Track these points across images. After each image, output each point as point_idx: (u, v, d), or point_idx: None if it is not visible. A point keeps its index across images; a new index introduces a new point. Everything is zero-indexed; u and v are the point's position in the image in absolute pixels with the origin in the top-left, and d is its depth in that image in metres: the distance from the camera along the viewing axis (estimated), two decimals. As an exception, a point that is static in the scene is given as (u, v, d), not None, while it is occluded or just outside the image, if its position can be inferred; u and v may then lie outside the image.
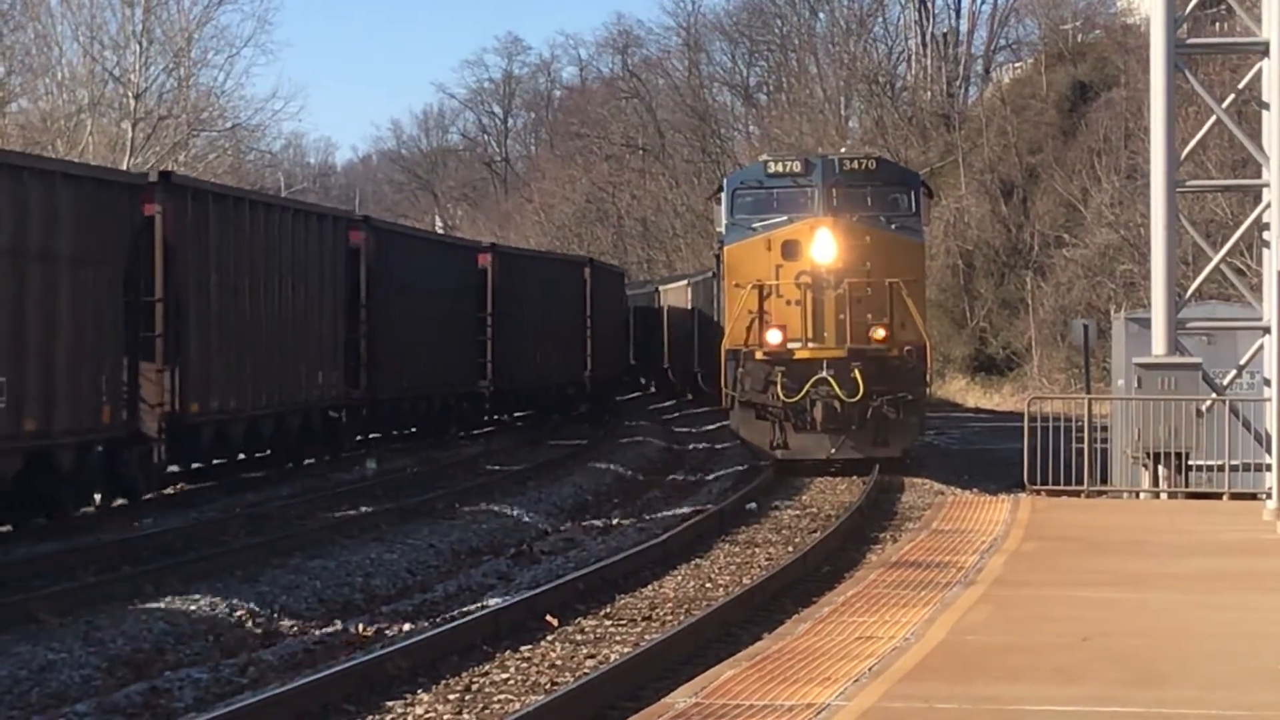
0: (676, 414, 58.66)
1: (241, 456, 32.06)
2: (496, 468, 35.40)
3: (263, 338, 30.58)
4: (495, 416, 47.40)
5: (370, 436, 38.51)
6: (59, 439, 23.38)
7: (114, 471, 25.51)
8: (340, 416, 35.27)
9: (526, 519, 27.18)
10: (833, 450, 31.97)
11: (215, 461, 31.35)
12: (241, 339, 29.62)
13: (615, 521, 27.25)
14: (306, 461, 33.78)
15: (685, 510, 27.77)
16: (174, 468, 29.10)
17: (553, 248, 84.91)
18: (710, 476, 34.69)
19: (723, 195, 33.84)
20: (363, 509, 26.90)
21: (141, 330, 26.10)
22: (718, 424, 44.18)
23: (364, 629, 17.36)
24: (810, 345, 31.80)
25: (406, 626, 17.46)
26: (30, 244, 22.65)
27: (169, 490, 28.79)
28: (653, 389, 72.13)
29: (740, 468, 34.22)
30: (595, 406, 55.20)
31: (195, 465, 30.32)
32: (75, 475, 24.14)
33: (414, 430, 42.11)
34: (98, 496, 25.54)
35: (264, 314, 30.74)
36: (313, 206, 38.55)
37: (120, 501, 26.27)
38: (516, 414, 49.03)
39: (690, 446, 44.07)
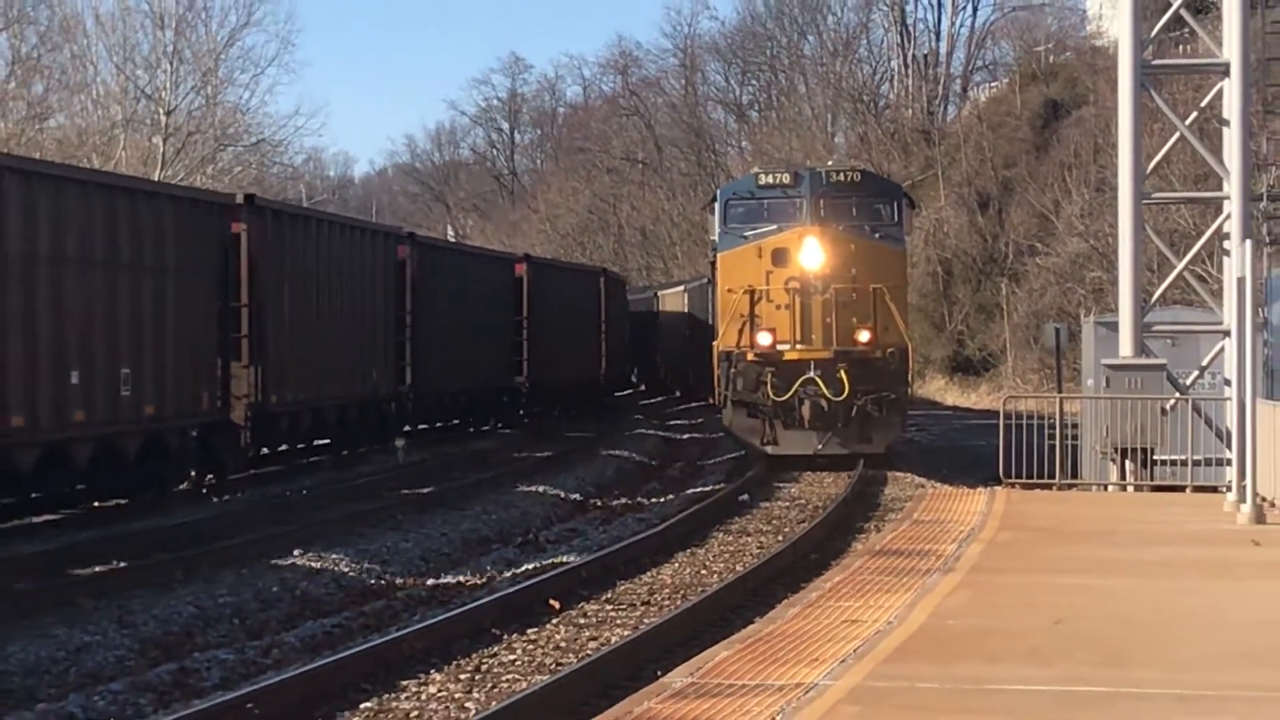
0: (673, 409, 58.60)
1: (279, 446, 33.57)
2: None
3: (327, 339, 32.65)
4: (531, 409, 48.93)
5: (419, 427, 40.22)
6: (169, 422, 25.79)
7: (208, 453, 27.67)
8: (390, 408, 37.10)
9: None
10: (819, 446, 31.95)
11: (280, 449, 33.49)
12: (310, 340, 31.75)
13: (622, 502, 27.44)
14: (360, 450, 35.52)
15: (688, 492, 27.83)
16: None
17: (557, 255, 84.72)
18: (708, 462, 34.72)
19: (716, 205, 33.82)
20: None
21: (230, 331, 28.33)
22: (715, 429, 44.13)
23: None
24: (798, 347, 31.89)
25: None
26: (145, 257, 25.02)
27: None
28: (646, 387, 71.99)
29: (733, 456, 34.26)
30: (608, 401, 57.07)
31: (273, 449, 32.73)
32: (179, 455, 26.60)
33: (457, 421, 43.93)
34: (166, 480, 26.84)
35: (328, 318, 32.80)
36: (366, 224, 41.56)
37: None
38: (546, 407, 50.45)
39: (686, 436, 44.08)
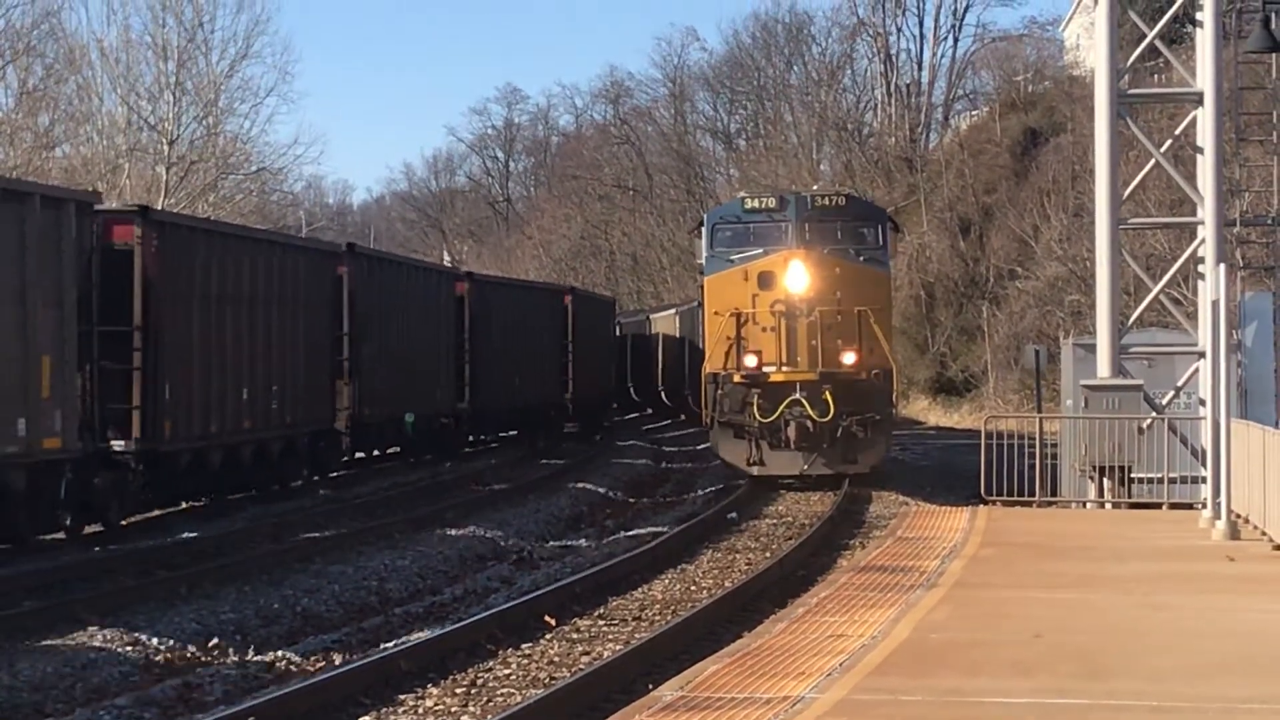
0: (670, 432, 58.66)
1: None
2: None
3: (404, 362, 37.22)
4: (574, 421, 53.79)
5: (481, 437, 45.74)
6: (299, 429, 31.07)
7: (316, 455, 32.54)
8: (452, 423, 41.62)
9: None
10: (805, 467, 31.72)
11: (357, 455, 37.64)
12: (393, 363, 36.49)
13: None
14: (426, 457, 39.80)
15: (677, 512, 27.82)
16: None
17: (551, 280, 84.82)
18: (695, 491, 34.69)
19: (703, 229, 33.68)
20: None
21: (335, 355, 33.42)
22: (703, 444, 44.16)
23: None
24: (784, 369, 31.65)
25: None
26: (285, 295, 30.30)
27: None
28: (642, 409, 71.90)
29: (719, 487, 34.25)
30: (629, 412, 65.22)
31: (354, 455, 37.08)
32: (304, 456, 31.88)
33: (515, 432, 48.79)
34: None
35: (406, 344, 37.46)
36: (434, 265, 50.73)
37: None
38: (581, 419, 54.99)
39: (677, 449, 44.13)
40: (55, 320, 22.23)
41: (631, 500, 33.23)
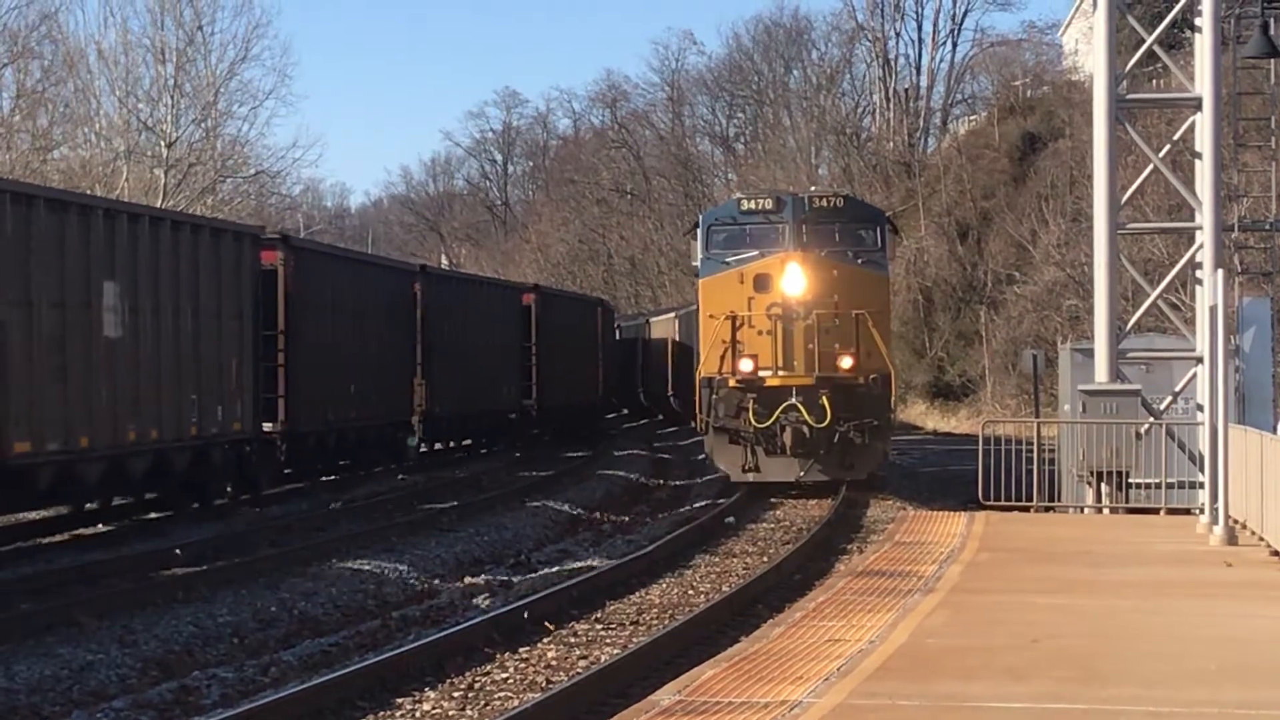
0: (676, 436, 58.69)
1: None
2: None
3: (472, 364, 42.82)
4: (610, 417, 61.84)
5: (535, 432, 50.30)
6: (385, 420, 36.86)
7: (393, 445, 37.73)
8: (516, 418, 47.86)
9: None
10: (801, 474, 31.20)
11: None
12: (461, 365, 41.99)
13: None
14: (495, 448, 46.40)
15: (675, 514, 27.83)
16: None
17: (548, 284, 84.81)
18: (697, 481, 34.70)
19: (698, 231, 33.04)
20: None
21: (411, 359, 39.09)
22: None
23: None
24: (780, 373, 31.07)
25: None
26: (378, 307, 36.64)
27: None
28: (637, 413, 71.87)
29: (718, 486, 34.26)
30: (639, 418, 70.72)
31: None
32: (388, 444, 37.40)
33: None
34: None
35: (473, 349, 43.05)
36: (501, 281, 58.78)
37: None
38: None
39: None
40: (238, 329, 28.24)
41: (630, 504, 33.19)
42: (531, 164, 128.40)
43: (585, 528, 28.85)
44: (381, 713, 13.37)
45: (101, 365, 23.57)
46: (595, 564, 22.67)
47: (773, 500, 31.06)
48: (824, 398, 30.80)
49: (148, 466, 25.17)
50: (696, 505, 31.23)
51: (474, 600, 19.76)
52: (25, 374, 21.74)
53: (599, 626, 17.66)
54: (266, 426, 29.76)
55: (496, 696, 13.96)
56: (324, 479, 34.35)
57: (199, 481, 27.33)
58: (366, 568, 21.83)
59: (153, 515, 26.81)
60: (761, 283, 31.55)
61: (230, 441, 27.82)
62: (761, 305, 31.39)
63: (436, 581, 21.57)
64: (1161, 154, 27.29)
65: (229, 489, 28.65)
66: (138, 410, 24.50)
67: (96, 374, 23.41)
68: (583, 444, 50.04)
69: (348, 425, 34.52)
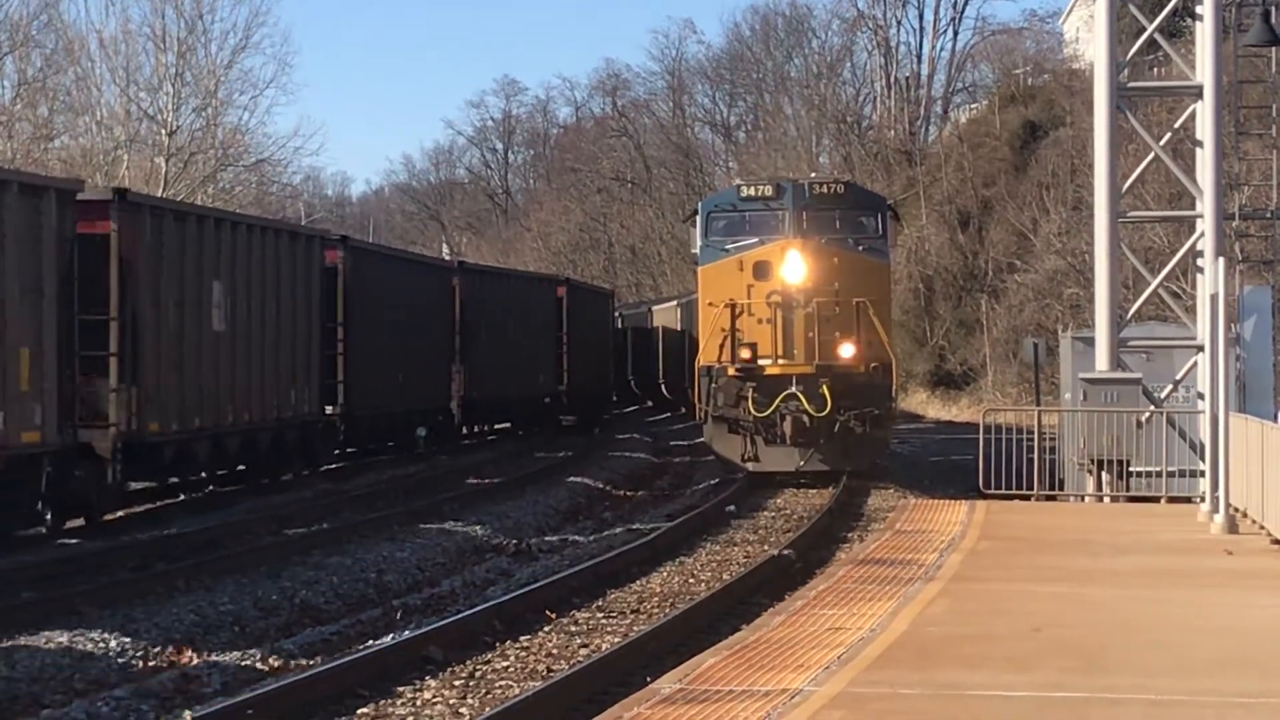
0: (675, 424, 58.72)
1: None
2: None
3: (510, 353, 46.28)
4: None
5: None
6: (427, 405, 40.23)
7: (435, 429, 40.98)
8: (550, 402, 51.30)
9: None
10: (801, 463, 30.87)
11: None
12: (498, 355, 45.32)
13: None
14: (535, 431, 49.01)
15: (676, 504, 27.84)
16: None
17: (549, 272, 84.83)
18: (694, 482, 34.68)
19: (698, 218, 32.73)
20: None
21: (449, 348, 42.51)
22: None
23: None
24: (780, 362, 30.78)
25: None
26: (419, 301, 39.64)
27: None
28: (648, 402, 71.81)
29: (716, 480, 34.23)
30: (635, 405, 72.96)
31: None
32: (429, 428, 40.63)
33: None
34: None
35: (511, 339, 46.62)
36: (537, 274, 63.83)
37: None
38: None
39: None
40: (308, 322, 31.74)
41: (629, 493, 33.20)
42: (532, 153, 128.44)
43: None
44: (382, 701, 13.36)
45: (209, 356, 27.43)
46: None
47: (773, 489, 30.90)
48: (824, 387, 30.50)
49: (239, 445, 28.83)
50: (698, 486, 31.22)
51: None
52: (155, 364, 25.49)
53: (600, 615, 17.66)
54: (328, 409, 33.22)
55: (497, 685, 13.96)
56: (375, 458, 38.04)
57: (276, 458, 30.81)
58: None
59: (228, 488, 29.88)
60: (761, 270, 31.25)
61: (302, 422, 31.49)
62: (761, 293, 31.09)
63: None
64: (1162, 142, 27.25)
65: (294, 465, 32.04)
66: (234, 395, 28.31)
67: (206, 363, 27.24)
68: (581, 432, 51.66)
69: (395, 409, 37.79)
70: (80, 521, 23.85)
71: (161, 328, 25.70)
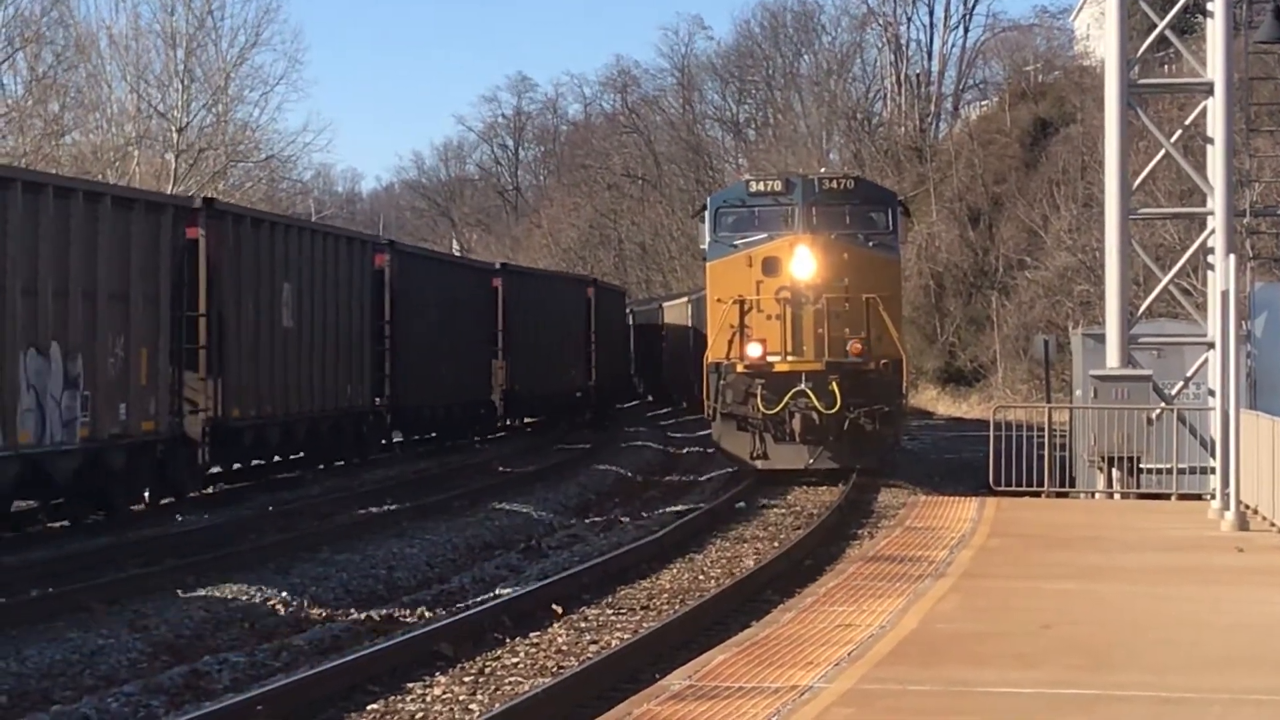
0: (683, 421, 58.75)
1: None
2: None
3: (546, 350, 49.46)
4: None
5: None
6: (465, 398, 42.96)
7: (476, 420, 44.78)
8: (581, 396, 54.77)
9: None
10: (811, 461, 30.60)
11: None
12: (538, 351, 48.54)
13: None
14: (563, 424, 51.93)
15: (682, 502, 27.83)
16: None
17: (559, 269, 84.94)
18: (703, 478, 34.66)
19: (706, 213, 32.50)
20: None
21: (491, 344, 45.70)
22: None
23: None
24: (789, 358, 30.44)
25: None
26: (461, 301, 42.50)
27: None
28: (653, 399, 71.80)
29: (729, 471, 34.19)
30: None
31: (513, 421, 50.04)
32: (474, 420, 44.41)
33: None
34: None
35: (548, 338, 50.00)
36: (571, 275, 68.33)
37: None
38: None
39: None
40: (361, 320, 34.84)
41: (640, 487, 33.17)
42: (542, 149, 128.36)
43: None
44: (392, 697, 13.36)
45: (280, 350, 30.13)
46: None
47: (783, 485, 30.78)
48: (834, 383, 30.16)
49: (304, 432, 31.65)
50: (702, 478, 31.19)
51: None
52: (236, 357, 28.15)
53: (609, 611, 17.66)
54: (376, 401, 36.11)
55: (507, 681, 13.96)
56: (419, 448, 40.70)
57: (333, 445, 33.50)
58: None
59: (282, 475, 32.20)
60: (770, 266, 30.97)
61: (357, 413, 34.50)
62: (770, 289, 30.82)
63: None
64: (1173, 139, 27.21)
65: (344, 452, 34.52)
66: (300, 385, 31.06)
67: (278, 356, 29.99)
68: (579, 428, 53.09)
69: (439, 401, 40.55)
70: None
71: (241, 324, 28.39)
